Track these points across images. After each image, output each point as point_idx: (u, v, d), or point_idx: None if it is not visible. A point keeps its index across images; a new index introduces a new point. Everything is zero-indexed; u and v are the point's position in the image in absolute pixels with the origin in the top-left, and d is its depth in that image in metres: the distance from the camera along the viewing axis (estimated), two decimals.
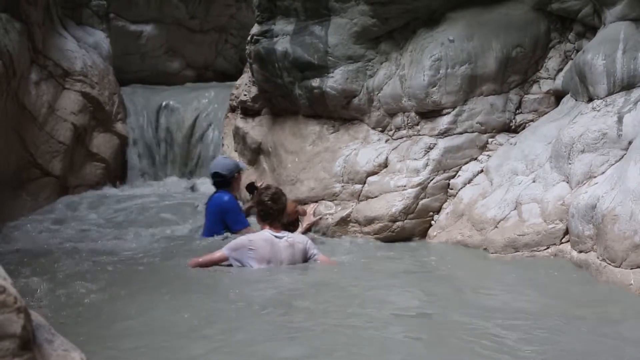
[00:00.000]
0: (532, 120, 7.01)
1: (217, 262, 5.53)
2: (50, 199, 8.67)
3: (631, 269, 5.12)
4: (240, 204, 7.13)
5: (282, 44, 7.59)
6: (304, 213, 6.70)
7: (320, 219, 6.97)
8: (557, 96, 6.96)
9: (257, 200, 5.83)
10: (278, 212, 5.72)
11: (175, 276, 5.44)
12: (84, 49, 9.87)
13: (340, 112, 7.47)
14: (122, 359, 3.88)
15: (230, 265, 5.52)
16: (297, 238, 5.72)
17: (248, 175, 8.30)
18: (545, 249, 5.92)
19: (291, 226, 6.07)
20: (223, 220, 6.69)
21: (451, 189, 6.96)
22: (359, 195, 7.07)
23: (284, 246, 5.56)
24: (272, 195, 5.78)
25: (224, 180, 6.96)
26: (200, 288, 5.04)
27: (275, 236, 5.59)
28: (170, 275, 5.45)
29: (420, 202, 6.86)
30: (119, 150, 9.98)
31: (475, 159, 6.99)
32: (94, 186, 9.53)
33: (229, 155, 8.74)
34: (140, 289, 5.15)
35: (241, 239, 5.65)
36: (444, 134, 7.00)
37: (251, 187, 6.68)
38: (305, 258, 5.64)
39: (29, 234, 7.36)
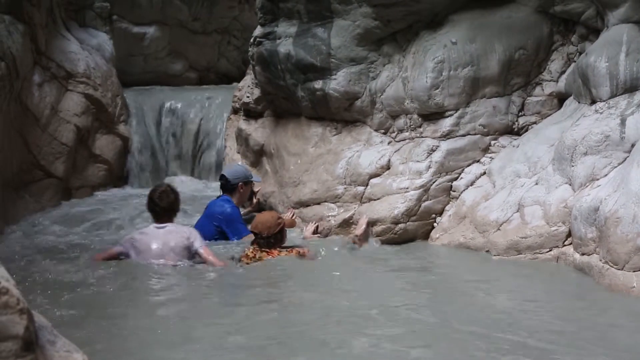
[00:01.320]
0: (534, 123, 7.01)
1: (116, 256, 5.93)
2: (53, 200, 8.66)
3: (634, 271, 5.13)
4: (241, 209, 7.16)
5: (284, 46, 7.59)
6: (291, 225, 6.94)
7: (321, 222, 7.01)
8: (560, 99, 6.95)
9: (148, 197, 6.10)
10: (164, 210, 5.97)
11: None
12: (87, 51, 9.87)
13: (343, 114, 7.47)
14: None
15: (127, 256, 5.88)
16: (182, 228, 6.03)
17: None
18: (547, 252, 5.93)
19: (272, 239, 5.89)
20: (218, 227, 6.74)
21: (453, 191, 6.95)
22: (362, 197, 7.06)
23: (162, 233, 5.87)
24: (160, 194, 6.05)
25: (227, 185, 7.03)
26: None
27: (156, 227, 5.94)
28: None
29: (423, 205, 6.86)
30: (121, 152, 9.98)
31: (478, 161, 6.99)
32: (96, 188, 9.53)
33: (231, 157, 8.74)
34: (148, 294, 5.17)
35: (132, 233, 6.20)
36: (447, 136, 7.00)
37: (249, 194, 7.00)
38: (189, 250, 5.85)
39: (32, 235, 7.37)
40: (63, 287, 5.28)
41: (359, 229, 6.62)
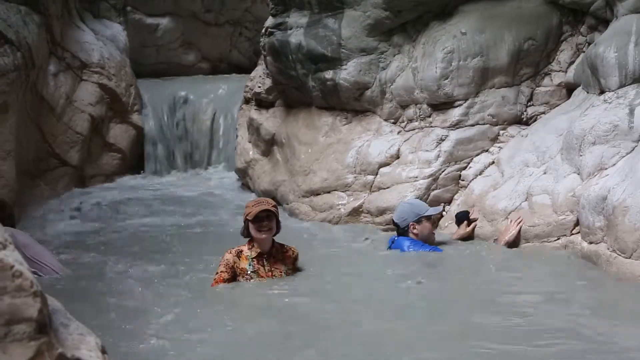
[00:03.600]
0: (543, 113, 7.03)
1: None
2: (67, 187, 8.79)
3: None
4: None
5: (296, 37, 7.64)
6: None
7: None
8: (569, 89, 6.96)
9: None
10: None
11: None
12: (102, 42, 9.97)
13: (353, 104, 7.52)
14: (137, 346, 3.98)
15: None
16: None
17: (264, 174, 8.39)
18: (555, 240, 5.95)
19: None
20: None
21: (462, 180, 6.99)
22: (371, 186, 7.12)
23: None
24: None
25: (400, 230, 6.12)
26: None
27: None
28: None
29: (432, 193, 6.91)
30: (135, 141, 10.08)
31: (487, 150, 7.02)
32: (110, 176, 9.64)
33: (242, 146, 8.79)
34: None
35: None
36: (456, 125, 7.04)
37: (462, 215, 6.47)
38: None
39: (54, 222, 7.53)
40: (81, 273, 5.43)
41: (509, 234, 6.07)
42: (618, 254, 5.28)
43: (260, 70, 8.72)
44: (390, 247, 6.05)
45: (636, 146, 5.65)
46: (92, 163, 9.50)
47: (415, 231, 6.03)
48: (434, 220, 6.46)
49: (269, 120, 8.39)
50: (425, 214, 6.10)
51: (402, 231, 6.06)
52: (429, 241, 6.05)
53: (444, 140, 7.00)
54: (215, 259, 5.22)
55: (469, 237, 6.37)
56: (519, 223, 6.07)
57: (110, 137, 9.75)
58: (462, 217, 6.46)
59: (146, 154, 10.23)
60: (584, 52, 6.80)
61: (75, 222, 7.60)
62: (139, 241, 6.76)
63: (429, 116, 7.15)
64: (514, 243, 6.05)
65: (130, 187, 9.37)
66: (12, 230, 5.56)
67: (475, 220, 6.42)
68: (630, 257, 5.20)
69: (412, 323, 4.33)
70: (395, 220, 6.11)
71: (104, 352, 2.29)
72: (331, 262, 5.81)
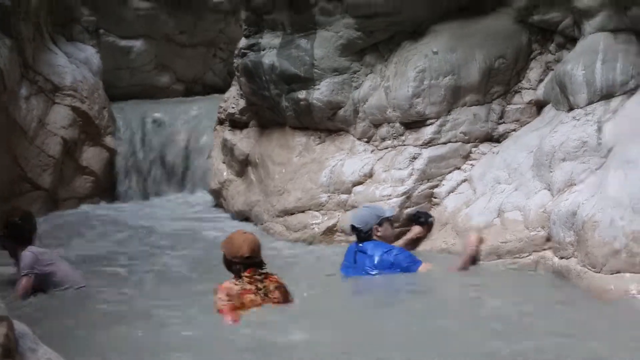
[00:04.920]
0: (514, 130, 7.08)
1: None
2: (40, 211, 8.70)
3: (611, 274, 5.20)
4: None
5: (269, 57, 7.67)
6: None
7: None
8: (539, 106, 7.04)
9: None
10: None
11: None
12: (75, 64, 9.93)
13: (327, 124, 7.55)
14: None
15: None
16: None
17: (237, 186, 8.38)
18: (527, 256, 5.98)
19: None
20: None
21: (435, 197, 7.02)
22: (345, 205, 7.13)
23: None
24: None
25: (362, 236, 6.04)
26: None
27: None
28: None
29: (406, 212, 6.91)
30: (108, 164, 10.03)
31: (459, 168, 7.06)
32: (83, 199, 9.57)
33: (216, 167, 8.78)
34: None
35: None
36: (428, 143, 7.08)
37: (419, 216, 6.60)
38: None
39: None
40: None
41: (461, 261, 6.01)
42: (588, 269, 5.34)
43: (234, 90, 8.74)
44: (355, 260, 5.93)
45: (605, 162, 5.73)
46: (65, 186, 9.42)
47: (379, 234, 6.02)
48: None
49: (243, 141, 8.39)
50: (386, 215, 6.16)
51: (365, 236, 5.98)
52: (391, 242, 6.14)
53: (416, 158, 7.04)
54: None
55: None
56: (471, 246, 6.04)
57: (83, 160, 9.69)
58: (419, 218, 6.56)
59: (119, 177, 10.16)
60: (553, 70, 6.88)
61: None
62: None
63: (402, 135, 7.19)
64: (473, 261, 6.03)
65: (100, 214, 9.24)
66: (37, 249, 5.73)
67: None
68: (600, 272, 5.26)
69: None
70: (357, 226, 6.02)
71: None
72: None
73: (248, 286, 4.85)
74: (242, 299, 4.80)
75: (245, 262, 4.90)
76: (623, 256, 5.15)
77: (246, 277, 4.87)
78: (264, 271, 4.97)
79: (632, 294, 5.05)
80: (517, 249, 6.00)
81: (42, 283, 5.57)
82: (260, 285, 4.87)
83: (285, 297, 4.96)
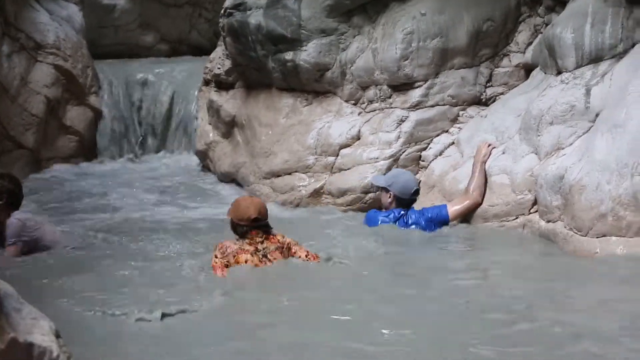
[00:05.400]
0: (502, 93, 7.09)
1: None
2: (24, 171, 8.62)
3: (597, 237, 5.27)
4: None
5: (255, 17, 7.57)
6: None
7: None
8: (527, 69, 7.03)
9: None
10: None
11: None
12: (57, 22, 9.77)
13: (314, 86, 7.49)
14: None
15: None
16: None
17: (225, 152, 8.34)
18: (514, 219, 6.03)
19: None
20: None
21: (423, 161, 7.04)
22: (332, 168, 7.13)
23: None
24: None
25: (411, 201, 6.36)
26: None
27: None
28: None
29: None
30: (92, 124, 9.94)
31: (447, 131, 7.07)
32: (67, 159, 9.50)
33: (202, 128, 8.72)
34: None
35: None
36: (416, 106, 7.07)
37: None
38: None
39: None
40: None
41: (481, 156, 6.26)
42: (575, 232, 5.39)
43: (219, 51, 8.64)
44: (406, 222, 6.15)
45: (592, 126, 5.74)
46: (49, 146, 9.33)
47: (383, 197, 6.34)
48: None
49: (229, 102, 8.32)
50: (378, 185, 6.47)
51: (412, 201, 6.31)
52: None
53: (404, 121, 7.03)
54: None
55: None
56: (484, 154, 6.25)
57: (67, 119, 9.59)
58: None
59: (102, 137, 10.08)
60: (541, 33, 6.86)
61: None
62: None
63: (389, 97, 7.16)
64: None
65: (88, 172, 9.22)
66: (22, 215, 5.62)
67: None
68: (586, 235, 5.32)
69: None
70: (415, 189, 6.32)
71: (58, 336, 2.27)
72: None
73: (247, 247, 4.91)
74: (237, 257, 4.88)
75: (252, 225, 4.96)
76: (609, 220, 5.20)
77: (248, 238, 4.94)
78: (266, 234, 5.01)
79: (618, 256, 5.10)
80: (503, 212, 6.03)
81: (31, 249, 5.49)
82: (260, 247, 4.92)
83: (286, 256, 5.01)
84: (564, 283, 4.75)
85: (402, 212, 6.17)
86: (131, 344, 3.81)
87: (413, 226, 6.11)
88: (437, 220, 6.13)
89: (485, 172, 6.20)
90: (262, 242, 4.95)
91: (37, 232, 5.54)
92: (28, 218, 5.64)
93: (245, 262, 4.87)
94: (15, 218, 5.51)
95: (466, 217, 6.18)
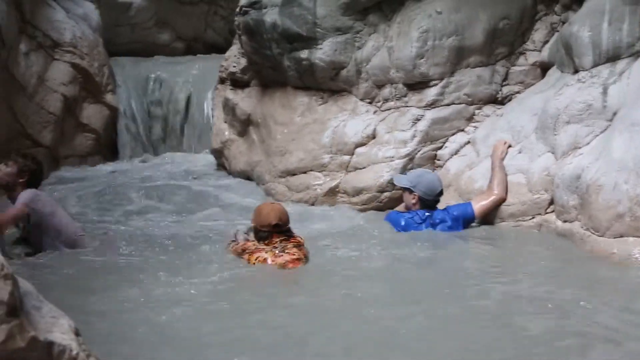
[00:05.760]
0: (518, 92, 7.05)
1: None
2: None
3: (614, 238, 5.23)
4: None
5: (270, 16, 7.57)
6: None
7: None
8: (543, 68, 6.99)
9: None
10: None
11: None
12: (73, 20, 9.81)
13: (329, 84, 7.48)
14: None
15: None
16: None
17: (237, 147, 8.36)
18: (530, 219, 6.01)
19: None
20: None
21: (438, 160, 7.02)
22: (347, 166, 7.12)
23: None
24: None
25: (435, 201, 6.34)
26: None
27: None
28: None
29: None
30: (109, 122, 9.98)
31: (462, 130, 7.04)
32: (84, 157, 9.54)
33: (218, 127, 8.72)
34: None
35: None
36: (432, 105, 7.05)
37: None
38: None
39: None
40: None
41: (499, 154, 6.29)
42: (592, 232, 5.36)
43: (235, 49, 8.64)
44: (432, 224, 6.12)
45: (609, 125, 5.71)
46: (66, 144, 9.38)
47: (406, 197, 6.33)
48: None
49: (245, 100, 8.33)
50: (398, 185, 6.47)
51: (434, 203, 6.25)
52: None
53: (419, 120, 7.01)
54: None
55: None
56: (501, 151, 6.27)
57: (83, 117, 9.63)
58: None
59: (120, 135, 10.11)
60: (558, 31, 6.82)
61: None
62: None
63: (405, 96, 7.14)
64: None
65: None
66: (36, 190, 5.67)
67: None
68: (603, 235, 5.28)
69: None
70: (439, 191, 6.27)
71: (77, 334, 2.27)
72: None
73: (263, 246, 5.16)
74: (253, 254, 5.14)
75: (273, 230, 5.18)
76: (627, 220, 5.17)
77: (267, 242, 5.18)
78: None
79: (636, 257, 5.07)
80: (520, 212, 6.02)
81: (42, 224, 5.49)
82: (277, 245, 5.15)
83: (305, 252, 5.21)
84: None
85: (427, 214, 6.13)
86: (149, 341, 3.83)
87: (440, 226, 6.08)
88: (463, 218, 6.10)
89: (504, 168, 6.18)
90: (280, 242, 5.16)
91: (47, 209, 5.56)
92: (43, 193, 5.75)
93: (258, 259, 5.08)
94: (30, 190, 5.57)
95: (486, 217, 6.15)
